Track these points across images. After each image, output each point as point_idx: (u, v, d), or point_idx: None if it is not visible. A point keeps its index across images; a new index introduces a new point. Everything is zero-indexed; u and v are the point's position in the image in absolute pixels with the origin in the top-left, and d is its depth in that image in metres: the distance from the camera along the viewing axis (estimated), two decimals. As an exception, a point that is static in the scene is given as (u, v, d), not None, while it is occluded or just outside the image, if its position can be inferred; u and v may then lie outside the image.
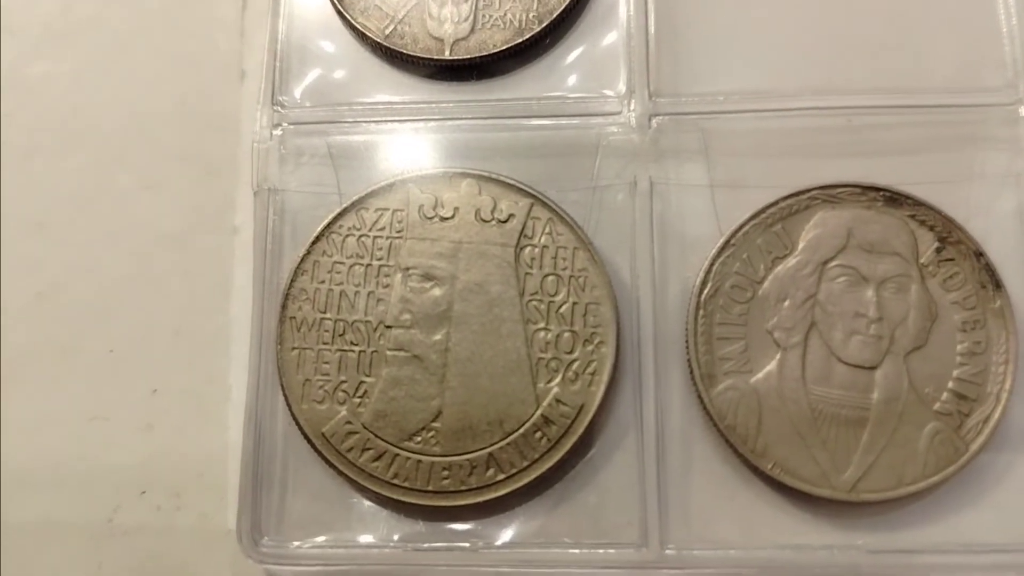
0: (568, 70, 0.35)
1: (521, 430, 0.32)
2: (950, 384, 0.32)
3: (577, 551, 0.32)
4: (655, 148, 0.34)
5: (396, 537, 0.32)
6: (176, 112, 0.37)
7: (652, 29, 0.35)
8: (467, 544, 0.32)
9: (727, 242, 0.33)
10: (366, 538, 0.32)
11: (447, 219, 0.33)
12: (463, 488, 0.32)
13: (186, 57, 0.37)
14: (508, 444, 0.32)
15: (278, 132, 0.35)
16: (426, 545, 0.32)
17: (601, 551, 0.31)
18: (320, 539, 0.32)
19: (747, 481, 0.32)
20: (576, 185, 0.34)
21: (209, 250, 0.35)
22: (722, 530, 0.32)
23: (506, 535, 0.32)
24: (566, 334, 0.32)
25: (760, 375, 0.32)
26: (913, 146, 0.34)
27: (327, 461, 0.32)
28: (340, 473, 0.32)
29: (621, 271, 0.33)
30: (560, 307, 0.33)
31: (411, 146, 0.34)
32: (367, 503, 0.32)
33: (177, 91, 0.37)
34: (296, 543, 0.32)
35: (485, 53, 0.35)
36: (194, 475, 0.34)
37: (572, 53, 0.35)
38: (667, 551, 0.31)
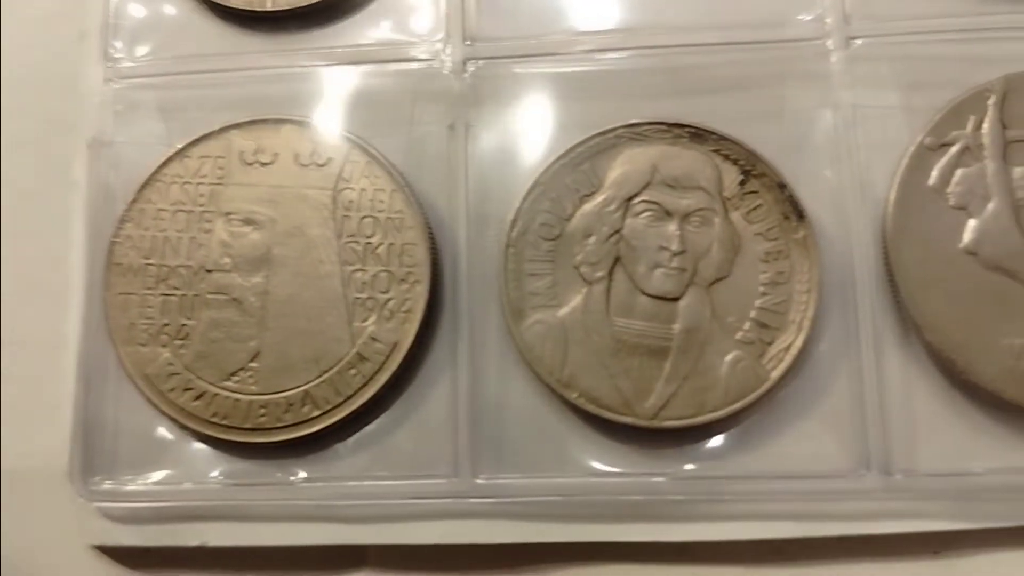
0: (388, 18, 0.36)
1: (336, 368, 0.33)
2: (752, 313, 0.32)
3: (392, 483, 0.32)
4: (473, 92, 0.35)
5: (219, 474, 0.33)
6: (19, 72, 0.38)
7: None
8: (287, 479, 0.33)
9: (536, 181, 0.33)
10: (191, 475, 0.33)
11: (267, 164, 0.34)
12: (279, 425, 0.33)
13: (27, 18, 0.38)
14: (323, 382, 0.33)
15: (112, 87, 0.36)
16: (247, 481, 0.33)
17: (415, 482, 0.32)
18: (150, 478, 0.33)
19: (558, 412, 0.33)
20: (396, 130, 0.35)
21: (52, 204, 0.36)
22: (534, 459, 0.33)
23: (325, 470, 0.33)
24: (382, 274, 0.33)
25: (566, 309, 0.33)
26: (727, 83, 0.34)
27: (152, 402, 0.33)
28: (164, 413, 0.33)
29: (440, 213, 0.34)
30: (376, 248, 0.33)
31: (236, 96, 0.35)
32: (193, 442, 0.33)
33: (19, 51, 0.38)
34: (127, 482, 0.33)
35: (305, 4, 0.35)
36: (39, 421, 0.35)
37: (392, 1, 0.36)
38: (477, 480, 0.32)
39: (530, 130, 0.35)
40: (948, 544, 0.32)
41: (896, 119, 0.33)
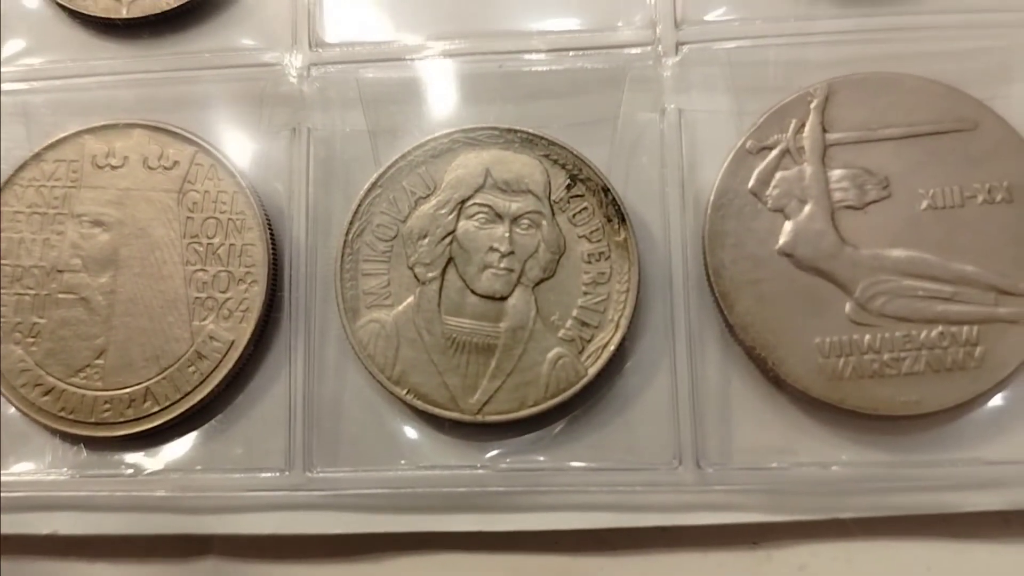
0: (238, 25, 0.37)
1: (176, 365, 0.34)
2: (575, 312, 0.33)
3: (230, 476, 0.34)
4: (321, 97, 0.36)
5: (68, 466, 0.34)
6: None
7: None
8: (129, 471, 0.34)
9: (374, 183, 0.34)
10: (42, 467, 0.35)
11: (117, 167, 0.35)
12: (122, 420, 0.34)
13: None
14: (164, 379, 0.34)
15: (-23, 93, 0.37)
16: (95, 473, 0.34)
17: (252, 475, 0.34)
18: (3, 469, 0.35)
19: (390, 407, 0.34)
20: (244, 133, 0.36)
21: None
22: (367, 453, 0.34)
23: (169, 463, 0.34)
24: (222, 274, 0.34)
25: (400, 308, 0.34)
26: (562, 89, 0.35)
27: (5, 397, 0.34)
28: (17, 408, 0.34)
29: (283, 214, 0.35)
30: (218, 249, 0.35)
31: (92, 100, 0.36)
32: (44, 435, 0.35)
33: None
34: (-14, 474, 0.35)
35: (159, 11, 0.36)
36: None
37: (243, 10, 0.37)
38: (310, 474, 0.34)
39: (372, 133, 0.36)
40: (766, 535, 0.33)
41: (725, 123, 0.34)
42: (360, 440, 0.34)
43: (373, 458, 0.34)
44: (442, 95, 0.35)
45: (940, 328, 0.32)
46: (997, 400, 0.32)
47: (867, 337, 0.32)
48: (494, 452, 0.33)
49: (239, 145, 0.36)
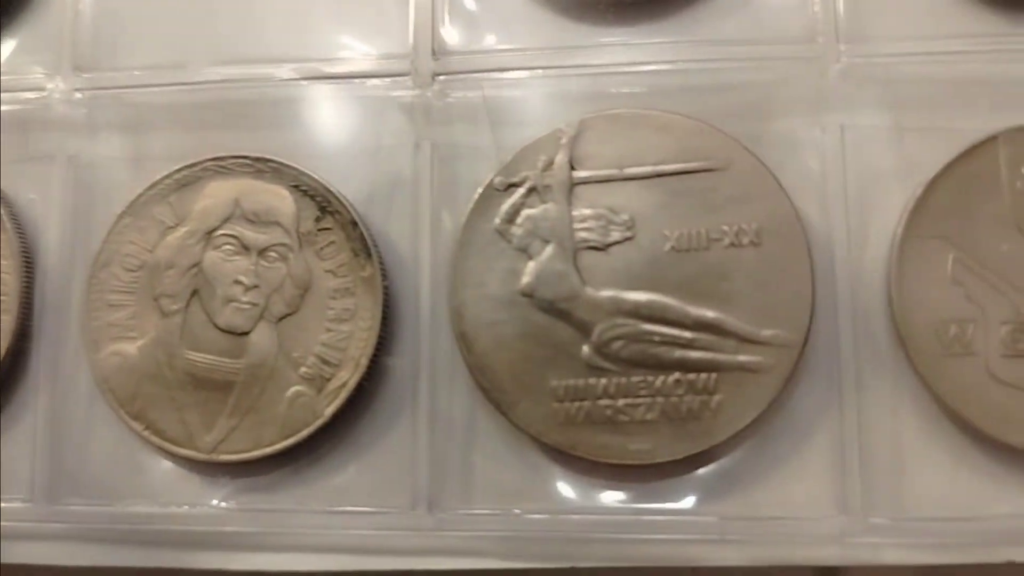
0: (12, 47, 0.36)
1: (-79, 393, 0.34)
2: (317, 349, 0.33)
3: (-28, 507, 0.34)
4: (89, 123, 0.35)
5: None
6: None
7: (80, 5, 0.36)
8: None
9: (124, 212, 0.34)
10: None
11: None
12: None
13: None
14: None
15: None
16: None
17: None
18: None
19: (137, 441, 0.33)
20: (14, 160, 0.35)
21: None
22: (113, 487, 0.33)
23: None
24: (-21, 303, 0.34)
25: (143, 341, 0.33)
26: (325, 118, 0.34)
27: None
28: None
29: (45, 243, 0.35)
30: (-24, 278, 0.34)
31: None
32: None
33: None
34: None
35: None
36: None
37: (13, 31, 0.36)
38: (56, 506, 0.33)
39: (136, 159, 0.35)
40: (512, 581, 0.33)
41: (484, 158, 0.33)
42: (105, 474, 0.34)
43: (117, 492, 0.33)
44: (204, 121, 0.35)
45: (677, 375, 0.31)
46: (737, 452, 0.31)
47: (603, 382, 0.31)
48: (231, 491, 0.33)
49: (9, 172, 0.35)
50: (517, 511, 0.32)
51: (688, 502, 0.31)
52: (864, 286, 0.31)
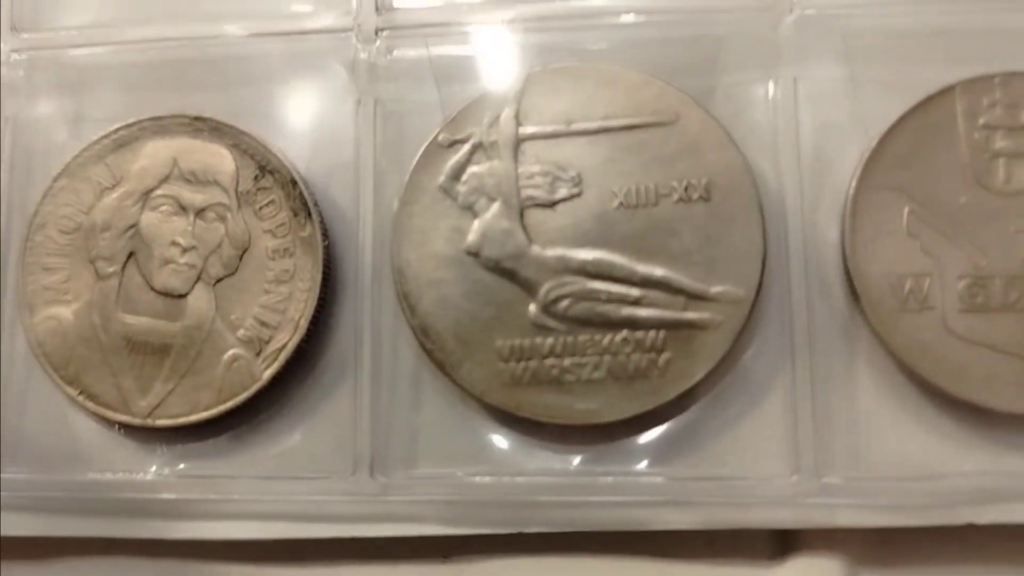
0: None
1: None
2: (255, 311, 0.32)
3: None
4: (28, 84, 0.34)
5: None
6: None
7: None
8: None
9: (60, 173, 0.33)
10: None
11: None
12: None
13: None
14: None
15: None
16: None
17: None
18: None
19: (73, 407, 0.32)
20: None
21: None
22: (50, 454, 0.33)
23: None
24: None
25: (78, 304, 0.32)
26: (265, 76, 0.34)
27: None
28: None
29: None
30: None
31: None
32: None
33: None
34: None
35: None
36: None
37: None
38: (-5, 475, 0.32)
39: (75, 120, 0.34)
40: (456, 549, 0.32)
41: (430, 115, 0.32)
42: (42, 441, 0.33)
43: (54, 460, 0.32)
44: (149, 81, 0.34)
45: (624, 333, 0.30)
46: (687, 412, 0.30)
47: (549, 341, 0.30)
48: (168, 458, 0.32)
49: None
50: (461, 474, 0.31)
51: (637, 464, 0.30)
52: (817, 240, 0.31)
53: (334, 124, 0.33)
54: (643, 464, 0.30)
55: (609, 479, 0.30)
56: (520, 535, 0.31)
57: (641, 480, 0.30)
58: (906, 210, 0.30)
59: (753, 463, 0.30)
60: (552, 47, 0.32)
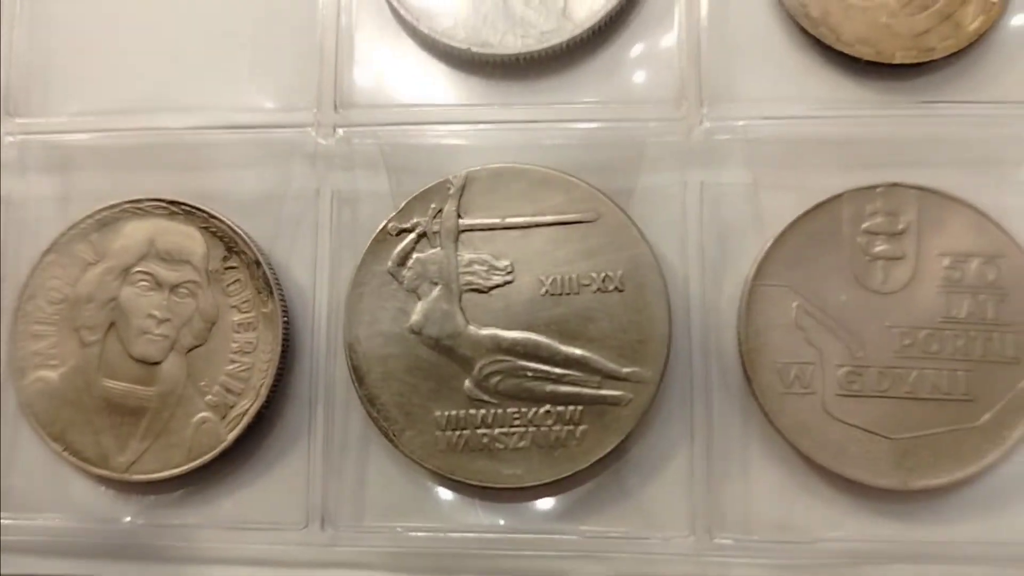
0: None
1: None
2: (221, 378, 0.35)
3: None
4: (20, 164, 0.38)
5: None
6: None
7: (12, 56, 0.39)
8: None
9: (48, 249, 0.37)
10: None
11: None
12: None
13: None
14: None
15: None
16: None
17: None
18: None
19: (58, 461, 0.36)
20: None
21: None
22: (35, 502, 0.36)
23: None
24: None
25: (64, 368, 0.36)
26: (237, 162, 0.37)
27: None
28: None
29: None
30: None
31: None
32: None
33: None
34: None
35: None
36: None
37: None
38: (-18, 520, 0.36)
39: (63, 198, 0.38)
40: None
41: (383, 203, 0.36)
42: (28, 490, 0.36)
43: (39, 507, 0.36)
44: (131, 163, 0.37)
45: (547, 407, 0.34)
46: (599, 477, 0.34)
47: (481, 413, 0.34)
48: (142, 507, 0.36)
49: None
50: (401, 528, 0.35)
51: (555, 522, 0.35)
52: (718, 329, 0.35)
53: (295, 210, 0.37)
54: (561, 522, 0.35)
55: (530, 535, 0.34)
56: (456, 582, 0.35)
57: (559, 536, 0.34)
58: (794, 304, 0.34)
59: (656, 524, 0.34)
60: (492, 148, 0.36)
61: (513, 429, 0.34)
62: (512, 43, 0.36)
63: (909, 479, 0.33)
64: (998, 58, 0.36)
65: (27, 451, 0.36)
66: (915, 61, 0.35)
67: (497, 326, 0.35)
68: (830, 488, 0.34)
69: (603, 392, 0.34)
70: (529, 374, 0.34)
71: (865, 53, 0.35)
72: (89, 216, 0.37)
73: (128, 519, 0.36)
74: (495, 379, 0.34)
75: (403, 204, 0.36)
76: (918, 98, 0.36)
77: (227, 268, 0.36)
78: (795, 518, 0.34)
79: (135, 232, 0.37)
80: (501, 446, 0.34)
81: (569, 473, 0.34)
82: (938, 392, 0.33)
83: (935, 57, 0.35)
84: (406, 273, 0.35)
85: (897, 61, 0.35)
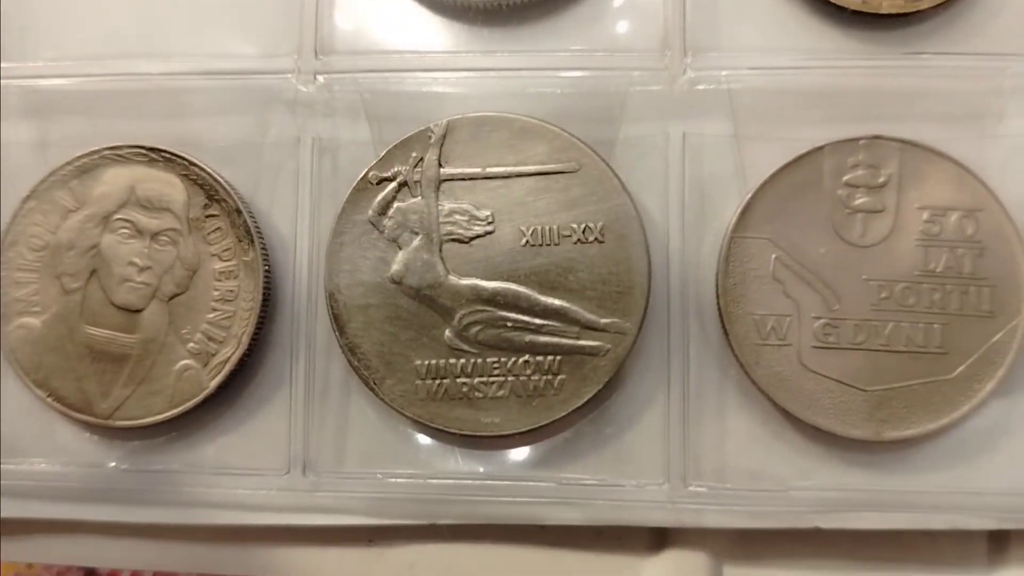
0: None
1: None
2: (203, 327, 0.36)
3: None
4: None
5: None
6: None
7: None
8: None
9: (28, 196, 0.36)
10: None
11: None
12: None
13: None
14: None
15: None
16: None
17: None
18: None
19: (42, 407, 0.36)
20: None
21: None
22: (21, 447, 0.37)
23: None
24: None
25: (46, 315, 0.36)
26: (216, 110, 0.37)
27: None
28: None
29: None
30: None
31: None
32: None
33: None
34: None
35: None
36: None
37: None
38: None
39: (41, 145, 0.38)
40: (380, 535, 0.36)
41: (364, 152, 0.36)
42: (14, 435, 0.37)
43: (24, 451, 0.37)
44: (115, 109, 0.37)
45: (526, 357, 0.34)
46: (577, 426, 0.35)
47: (461, 362, 0.35)
48: (126, 452, 0.36)
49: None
50: (382, 475, 0.35)
51: (533, 469, 0.35)
52: (697, 281, 0.35)
53: (276, 158, 0.37)
54: (538, 470, 0.35)
55: (508, 482, 0.35)
56: (433, 526, 0.36)
57: (536, 483, 0.35)
58: (773, 257, 0.34)
59: (632, 471, 0.35)
60: (474, 96, 0.36)
61: (492, 378, 0.34)
62: (495, -11, 0.36)
63: (882, 430, 0.33)
64: (984, 10, 0.35)
65: (13, 397, 0.37)
66: (902, 11, 0.35)
67: (477, 276, 0.35)
68: (804, 438, 0.34)
69: (582, 342, 0.34)
70: (509, 324, 0.34)
71: (852, 3, 0.35)
72: (68, 163, 0.36)
73: (112, 464, 0.36)
74: (475, 329, 0.35)
75: (384, 152, 0.35)
76: (903, 49, 0.35)
77: (208, 216, 0.36)
78: (769, 467, 0.34)
79: (115, 179, 0.36)
80: (480, 395, 0.34)
81: (547, 422, 0.34)
82: (913, 345, 0.34)
83: (922, 7, 0.35)
84: (387, 222, 0.35)
85: (884, 11, 0.35)
